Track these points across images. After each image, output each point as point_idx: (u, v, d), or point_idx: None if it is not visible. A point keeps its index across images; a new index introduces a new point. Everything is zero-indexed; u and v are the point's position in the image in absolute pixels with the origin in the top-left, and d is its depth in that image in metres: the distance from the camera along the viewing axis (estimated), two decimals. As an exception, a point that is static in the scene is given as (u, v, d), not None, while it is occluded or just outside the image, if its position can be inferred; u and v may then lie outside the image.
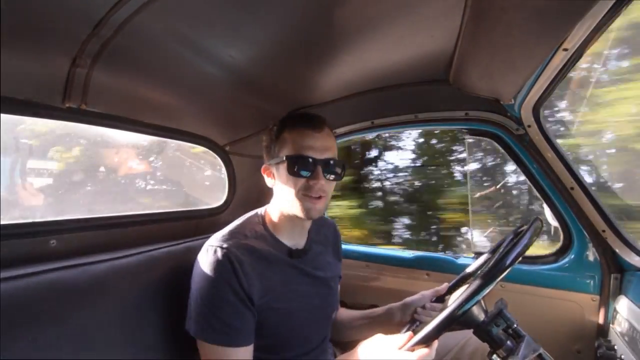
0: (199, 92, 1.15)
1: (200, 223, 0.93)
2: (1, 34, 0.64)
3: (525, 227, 0.70)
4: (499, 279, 0.62)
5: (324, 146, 0.84)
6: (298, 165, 0.81)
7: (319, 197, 0.83)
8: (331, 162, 0.84)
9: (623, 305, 0.95)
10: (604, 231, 1.08)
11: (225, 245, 0.80)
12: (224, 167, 1.53)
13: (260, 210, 0.96)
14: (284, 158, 0.83)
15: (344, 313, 1.15)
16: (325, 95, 1.35)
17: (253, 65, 1.03)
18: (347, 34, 0.88)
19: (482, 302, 0.68)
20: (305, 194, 0.82)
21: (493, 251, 0.91)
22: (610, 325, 0.99)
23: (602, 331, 1.06)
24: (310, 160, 0.82)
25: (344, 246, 1.61)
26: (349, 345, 1.07)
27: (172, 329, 0.85)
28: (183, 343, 0.84)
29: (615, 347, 0.90)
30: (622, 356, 0.84)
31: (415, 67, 1.10)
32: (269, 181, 0.92)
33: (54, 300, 0.68)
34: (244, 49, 0.93)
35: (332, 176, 0.85)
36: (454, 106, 1.23)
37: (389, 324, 1.01)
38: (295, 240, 0.93)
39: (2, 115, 0.77)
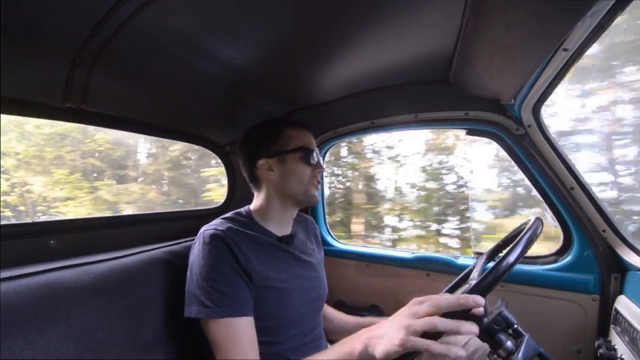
0: (199, 92, 1.15)
1: (200, 223, 0.94)
2: (1, 35, 0.64)
3: (525, 227, 0.70)
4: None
5: (315, 144, 1.03)
6: (310, 156, 0.97)
7: (318, 183, 1.01)
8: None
9: (623, 305, 0.95)
10: (604, 231, 1.08)
11: (219, 228, 0.86)
12: (224, 167, 1.53)
13: (244, 208, 1.02)
14: (300, 149, 0.96)
15: (333, 313, 1.18)
16: (325, 95, 1.35)
17: (253, 66, 1.03)
18: (347, 34, 0.89)
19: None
20: (311, 181, 0.98)
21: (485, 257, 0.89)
22: (611, 325, 0.99)
23: (602, 331, 1.06)
24: (315, 152, 0.99)
25: (344, 246, 1.63)
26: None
27: (172, 328, 0.85)
28: (183, 343, 0.84)
29: (616, 347, 0.90)
30: (622, 356, 0.84)
31: (415, 67, 1.11)
32: (266, 174, 0.97)
33: (54, 300, 0.68)
34: (245, 49, 0.94)
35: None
36: (454, 106, 1.23)
37: None
38: (282, 228, 1.02)
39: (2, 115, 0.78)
